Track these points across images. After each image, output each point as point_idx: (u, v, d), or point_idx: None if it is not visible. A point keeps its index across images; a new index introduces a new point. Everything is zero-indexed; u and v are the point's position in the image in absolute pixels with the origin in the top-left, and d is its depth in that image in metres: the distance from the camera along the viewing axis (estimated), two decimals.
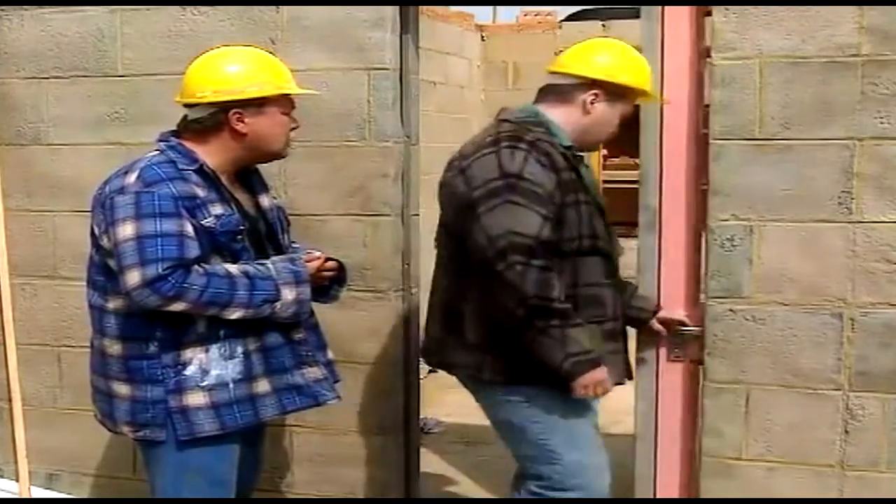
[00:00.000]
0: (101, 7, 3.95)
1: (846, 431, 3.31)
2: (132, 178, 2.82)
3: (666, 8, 3.38)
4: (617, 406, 6.66)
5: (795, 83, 3.24)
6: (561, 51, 3.30)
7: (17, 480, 4.17)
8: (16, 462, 4.17)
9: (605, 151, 10.38)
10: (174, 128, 3.00)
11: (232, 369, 2.88)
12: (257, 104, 2.89)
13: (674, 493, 3.58)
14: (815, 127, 3.24)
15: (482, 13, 9.99)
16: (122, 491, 4.14)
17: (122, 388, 2.91)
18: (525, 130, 3.03)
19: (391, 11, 3.63)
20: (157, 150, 2.93)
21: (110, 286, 2.89)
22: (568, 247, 3.00)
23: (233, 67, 2.92)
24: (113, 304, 2.90)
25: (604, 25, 9.06)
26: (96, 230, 2.90)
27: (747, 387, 3.37)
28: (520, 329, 2.92)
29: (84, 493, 4.22)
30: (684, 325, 3.43)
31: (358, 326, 3.71)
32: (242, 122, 2.89)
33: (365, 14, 3.64)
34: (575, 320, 2.94)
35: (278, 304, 2.87)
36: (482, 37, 9.35)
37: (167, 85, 3.88)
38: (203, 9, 3.83)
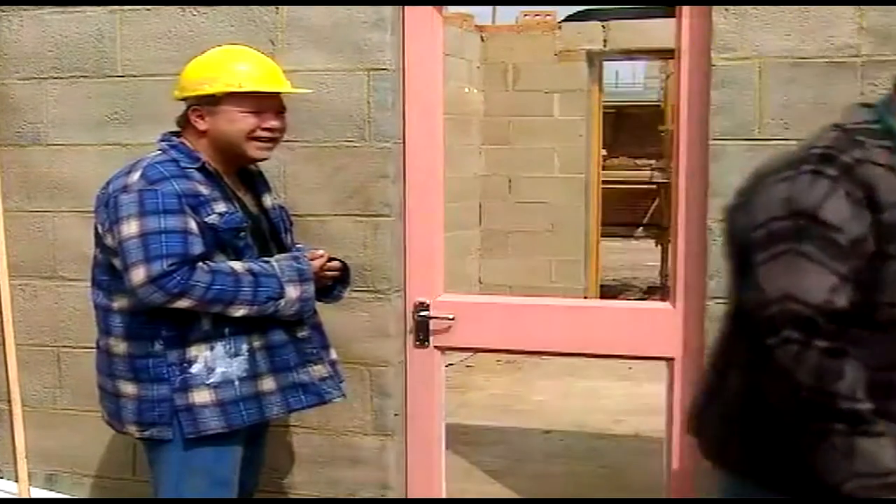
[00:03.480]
0: (100, 7, 3.95)
1: None
2: (135, 176, 2.83)
3: None
4: (617, 406, 6.70)
5: (795, 84, 3.24)
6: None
7: (17, 481, 4.17)
8: (15, 463, 4.17)
9: (604, 151, 10.41)
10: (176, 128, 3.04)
11: (237, 367, 2.89)
12: (212, 102, 2.92)
13: None
14: (814, 128, 3.21)
15: (482, 14, 10.01)
16: (123, 492, 4.14)
17: (128, 388, 2.92)
18: (851, 144, 2.13)
19: (390, 12, 3.63)
20: (159, 149, 2.96)
21: (115, 285, 2.90)
22: (886, 315, 2.06)
23: (196, 65, 3.01)
24: (118, 303, 2.91)
25: (604, 26, 9.07)
26: (100, 229, 2.92)
27: None
28: (792, 425, 2.06)
29: (84, 494, 4.22)
30: None
31: (358, 327, 3.71)
32: (202, 119, 2.94)
33: (364, 15, 3.63)
34: (874, 426, 1.99)
35: (282, 302, 2.88)
36: (482, 37, 9.37)
37: (167, 85, 3.87)
38: (202, 9, 3.83)
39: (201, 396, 2.87)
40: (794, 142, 3.23)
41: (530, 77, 9.27)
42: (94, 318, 3.05)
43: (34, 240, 4.15)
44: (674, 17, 3.47)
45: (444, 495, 3.86)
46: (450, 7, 7.46)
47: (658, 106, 13.08)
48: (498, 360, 7.79)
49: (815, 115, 3.22)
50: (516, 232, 9.30)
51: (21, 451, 4.16)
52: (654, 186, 13.23)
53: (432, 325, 3.69)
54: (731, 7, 3.26)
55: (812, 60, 3.23)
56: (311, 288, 2.96)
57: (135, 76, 3.94)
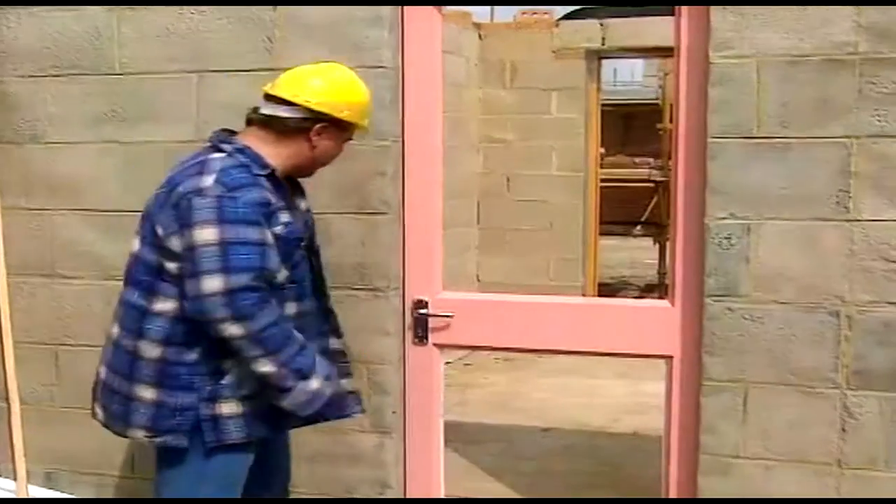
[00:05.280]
0: (98, 6, 3.95)
1: (844, 430, 3.32)
2: (210, 180, 2.76)
3: None
4: (616, 404, 6.71)
5: (793, 82, 3.25)
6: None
7: (15, 479, 4.17)
8: (13, 461, 4.16)
9: (602, 150, 10.41)
10: (227, 128, 3.00)
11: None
12: (340, 127, 2.97)
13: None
14: (812, 125, 3.24)
15: (480, 11, 10.00)
16: (121, 489, 4.14)
17: (146, 393, 2.86)
18: None
19: (389, 10, 3.63)
20: (224, 152, 2.87)
21: (160, 287, 2.83)
22: None
23: (336, 86, 2.98)
24: (160, 305, 2.84)
25: (602, 24, 9.07)
26: (160, 230, 2.82)
27: (745, 385, 3.37)
28: None
29: (82, 492, 4.21)
30: None
31: (356, 324, 3.70)
32: (319, 136, 2.93)
33: (363, 12, 3.63)
34: None
35: (302, 384, 2.83)
36: (480, 35, 9.36)
37: (164, 83, 3.90)
38: (200, 7, 3.82)
39: (229, 408, 2.85)
40: (792, 139, 3.25)
41: (528, 75, 9.27)
42: (120, 316, 2.97)
43: (32, 237, 4.14)
44: (672, 15, 3.47)
45: (442, 493, 3.86)
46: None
47: (656, 104, 13.08)
48: (496, 358, 7.79)
49: (812, 113, 3.24)
50: (514, 230, 9.30)
51: (19, 449, 4.15)
52: (652, 185, 13.23)
53: (431, 322, 3.69)
54: (730, 5, 3.26)
55: (810, 58, 3.23)
56: (328, 391, 2.92)
57: (132, 74, 3.93)
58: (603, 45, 9.11)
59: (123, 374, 2.91)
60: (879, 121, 3.19)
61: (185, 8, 3.84)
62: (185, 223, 2.75)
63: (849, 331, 3.28)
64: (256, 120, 2.95)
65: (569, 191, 9.24)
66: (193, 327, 2.79)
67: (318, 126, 2.93)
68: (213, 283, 2.68)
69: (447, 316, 3.67)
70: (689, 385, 3.51)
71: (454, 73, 8.63)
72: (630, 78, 22.41)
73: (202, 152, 2.92)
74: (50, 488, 4.24)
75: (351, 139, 3.09)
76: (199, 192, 2.75)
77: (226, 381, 2.84)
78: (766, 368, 3.35)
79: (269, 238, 2.77)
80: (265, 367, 2.76)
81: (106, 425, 3.05)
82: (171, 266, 2.79)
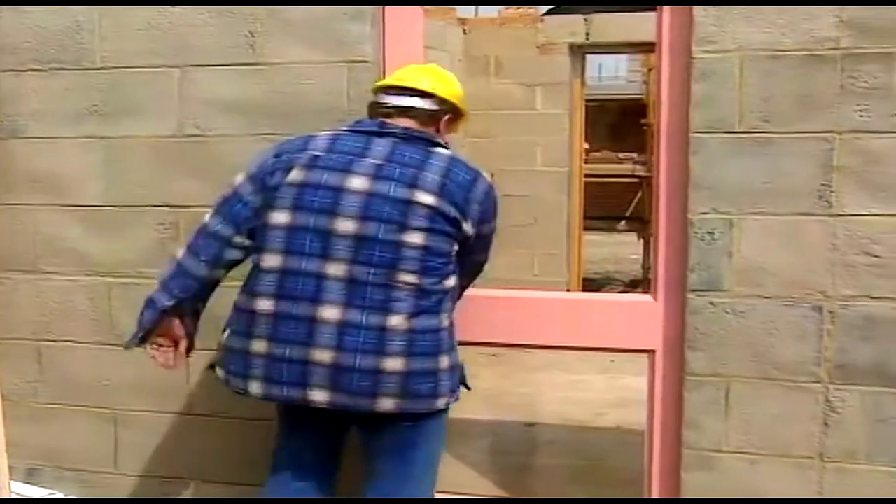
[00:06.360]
0: (79, 6, 3.93)
1: (826, 424, 3.33)
2: (487, 175, 3.12)
3: None
4: (599, 399, 6.71)
5: (775, 76, 3.25)
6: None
7: None
8: None
9: (587, 145, 10.42)
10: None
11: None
12: (458, 117, 3.31)
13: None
14: (794, 120, 3.25)
15: (464, 6, 10.00)
16: (104, 485, 4.13)
17: (445, 361, 2.98)
18: None
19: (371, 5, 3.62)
20: (446, 150, 3.13)
21: (452, 268, 3.01)
22: None
23: (453, 82, 3.29)
24: (452, 282, 3.02)
25: (585, 19, 9.08)
26: (460, 217, 2.98)
27: (727, 380, 3.38)
28: None
29: (65, 488, 4.20)
30: None
31: None
32: (446, 127, 3.26)
33: (345, 7, 3.62)
34: None
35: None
36: (464, 30, 9.36)
37: (146, 77, 3.88)
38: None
39: (457, 357, 3.09)
40: (774, 134, 3.26)
41: (512, 70, 9.27)
42: (427, 303, 2.92)
43: (14, 233, 4.13)
44: (655, 10, 3.48)
45: None
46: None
47: (641, 99, 13.11)
48: (481, 353, 7.79)
49: (794, 107, 3.25)
50: (499, 225, 9.28)
51: (1, 445, 4.13)
52: (636, 180, 13.27)
53: None
54: (712, 6, 3.27)
55: (792, 53, 3.24)
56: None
57: (114, 68, 3.92)
58: (587, 40, 9.12)
59: (432, 353, 2.97)
60: (861, 116, 3.20)
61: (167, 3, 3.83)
62: (493, 213, 3.20)
63: (831, 325, 3.29)
64: (396, 110, 3.15)
65: (553, 186, 9.25)
66: (455, 296, 3.11)
67: (450, 117, 3.25)
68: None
69: None
70: (671, 379, 3.52)
71: None
72: (615, 73, 22.47)
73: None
74: (32, 484, 4.23)
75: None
76: (492, 187, 3.18)
77: (454, 334, 3.14)
78: (749, 363, 3.36)
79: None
80: None
81: (412, 412, 2.97)
82: (452, 247, 3.03)
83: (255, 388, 2.95)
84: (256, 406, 3.19)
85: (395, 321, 2.86)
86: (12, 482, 4.17)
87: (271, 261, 2.92)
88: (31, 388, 4.20)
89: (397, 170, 2.93)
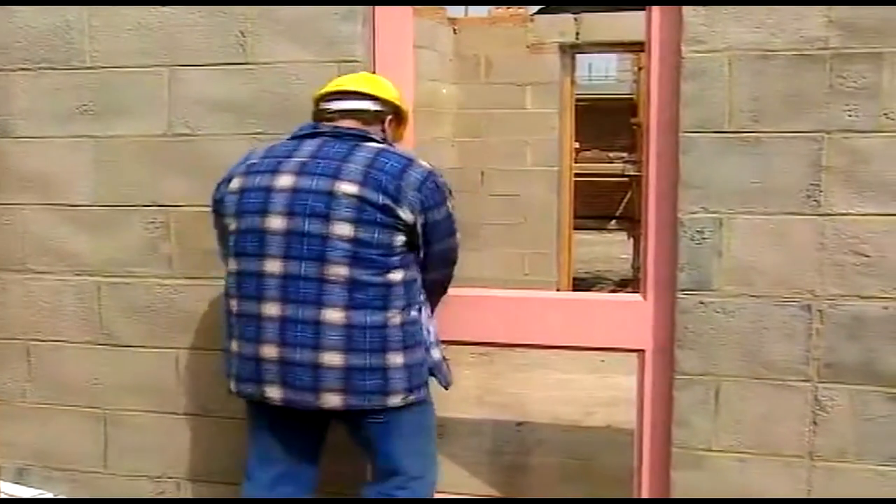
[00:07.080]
0: (69, 5, 3.92)
1: (815, 423, 3.34)
2: (425, 163, 3.04)
3: None
4: (589, 398, 6.72)
5: (764, 76, 3.26)
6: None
7: None
8: None
9: (577, 144, 10.42)
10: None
11: (433, 331, 3.16)
12: (400, 121, 3.33)
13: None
14: (784, 120, 3.26)
15: (454, 6, 10.00)
16: (93, 485, 4.12)
17: (398, 358, 2.99)
18: None
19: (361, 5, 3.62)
20: (383, 142, 3.14)
21: (399, 260, 2.98)
22: None
23: (386, 84, 3.32)
24: (398, 275, 2.98)
25: (575, 19, 9.09)
26: (402, 213, 2.94)
27: (717, 379, 3.39)
28: None
29: (55, 488, 4.19)
30: None
31: None
32: (390, 126, 3.27)
33: (335, 7, 3.62)
34: None
35: None
36: (454, 30, 9.35)
37: (136, 77, 3.87)
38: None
39: (436, 353, 3.16)
40: (763, 134, 3.27)
41: (503, 69, 9.27)
42: (363, 296, 2.91)
43: (3, 233, 4.11)
44: (644, 10, 3.48)
45: None
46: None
47: (631, 99, 13.13)
48: (471, 353, 7.79)
49: (784, 107, 3.25)
50: (489, 224, 9.29)
51: None
52: (626, 179, 13.28)
53: None
54: (701, 6, 3.28)
55: (781, 53, 3.25)
56: None
57: (103, 68, 3.91)
58: (577, 39, 9.13)
59: (378, 349, 3.00)
60: (850, 115, 3.21)
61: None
62: (439, 200, 3.07)
63: (820, 324, 3.30)
64: (339, 114, 3.18)
65: (543, 185, 9.26)
66: (417, 287, 3.12)
67: (393, 118, 3.26)
68: (458, 240, 3.24)
69: None
70: (661, 379, 3.52)
71: (428, 68, 8.63)
72: (605, 73, 22.50)
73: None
74: (22, 484, 4.22)
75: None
76: (433, 173, 3.06)
77: (431, 328, 3.21)
78: (738, 362, 3.37)
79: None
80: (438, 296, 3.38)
81: (360, 408, 3.01)
82: (399, 238, 3.01)
83: (232, 385, 3.12)
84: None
85: (330, 315, 2.91)
86: (2, 482, 4.16)
87: (231, 264, 3.07)
88: (21, 388, 4.19)
89: (321, 164, 2.99)
